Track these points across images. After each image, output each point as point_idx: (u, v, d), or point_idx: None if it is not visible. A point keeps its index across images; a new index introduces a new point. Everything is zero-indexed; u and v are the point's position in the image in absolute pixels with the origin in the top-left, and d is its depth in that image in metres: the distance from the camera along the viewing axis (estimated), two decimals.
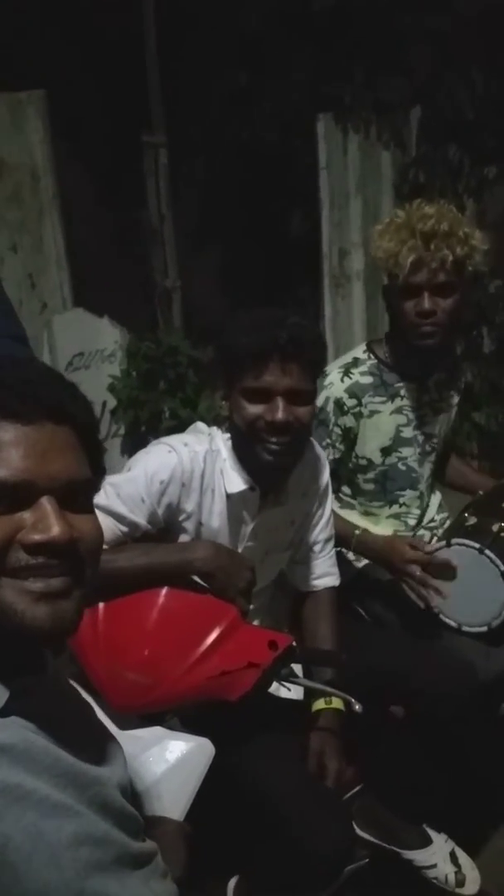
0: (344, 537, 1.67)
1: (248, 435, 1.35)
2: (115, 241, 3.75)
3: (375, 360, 1.79)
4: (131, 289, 3.65)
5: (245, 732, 1.30)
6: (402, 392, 1.79)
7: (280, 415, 1.31)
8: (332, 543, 1.62)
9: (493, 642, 1.60)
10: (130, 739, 1.16)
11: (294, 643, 1.28)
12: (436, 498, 1.98)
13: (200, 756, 1.16)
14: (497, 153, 4.06)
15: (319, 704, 1.42)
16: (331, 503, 1.62)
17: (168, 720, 1.25)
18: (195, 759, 1.15)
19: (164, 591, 1.28)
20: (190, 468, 1.37)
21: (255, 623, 1.50)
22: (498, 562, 1.53)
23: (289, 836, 1.23)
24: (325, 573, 1.62)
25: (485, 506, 1.73)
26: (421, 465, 1.86)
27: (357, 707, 1.29)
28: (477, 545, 1.56)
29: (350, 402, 1.73)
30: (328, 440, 1.73)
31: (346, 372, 1.76)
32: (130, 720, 1.21)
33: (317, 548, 1.61)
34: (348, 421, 1.74)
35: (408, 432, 1.81)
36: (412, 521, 1.89)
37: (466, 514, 1.69)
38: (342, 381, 1.74)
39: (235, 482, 1.40)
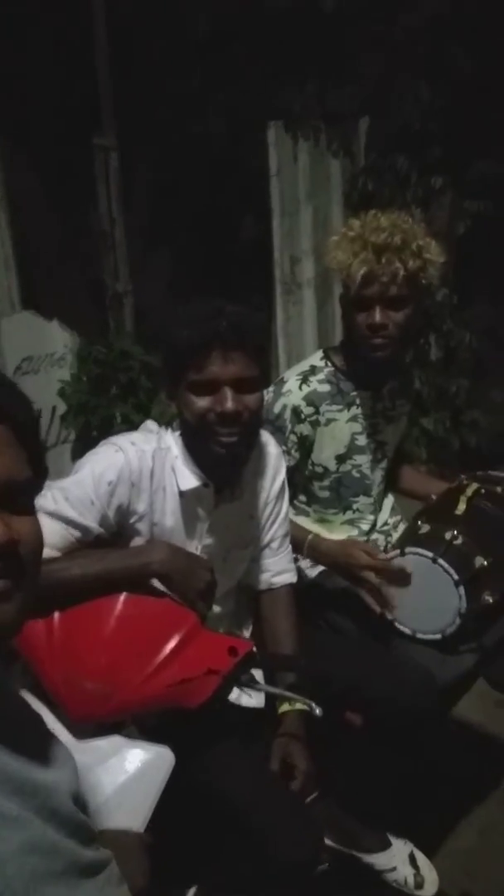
0: (297, 543, 1.68)
1: (198, 429, 1.34)
2: (65, 244, 3.70)
3: (332, 368, 1.80)
4: (82, 292, 3.61)
5: (206, 740, 1.30)
6: (357, 400, 1.81)
7: (229, 405, 1.30)
8: (288, 541, 1.63)
9: (447, 650, 1.62)
10: (88, 750, 1.15)
11: (254, 649, 1.28)
12: (388, 501, 2.01)
13: (160, 765, 1.15)
14: (443, 164, 4.15)
15: (284, 707, 1.43)
16: (287, 499, 1.62)
17: (126, 728, 1.23)
18: (155, 769, 1.15)
19: (121, 597, 1.26)
20: (138, 467, 1.36)
21: (220, 630, 1.50)
22: (451, 571, 1.56)
23: (256, 843, 1.23)
24: (283, 570, 1.61)
25: (437, 513, 1.76)
26: (373, 472, 1.89)
27: (317, 711, 1.30)
28: (430, 554, 1.59)
29: (307, 411, 1.74)
30: (284, 447, 1.73)
31: (305, 380, 1.76)
32: (88, 729, 1.19)
33: (274, 544, 1.60)
34: (305, 429, 1.75)
35: (362, 440, 1.84)
36: (366, 527, 1.91)
37: (420, 522, 1.71)
38: (300, 388, 1.75)
39: (188, 479, 1.39)
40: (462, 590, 1.56)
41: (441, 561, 1.57)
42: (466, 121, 4.04)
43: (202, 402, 1.32)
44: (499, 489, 1.89)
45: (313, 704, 1.29)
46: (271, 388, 1.76)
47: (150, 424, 1.49)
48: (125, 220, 3.39)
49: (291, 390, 1.75)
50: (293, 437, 1.75)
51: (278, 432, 1.72)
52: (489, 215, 4.21)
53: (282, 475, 1.58)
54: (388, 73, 3.99)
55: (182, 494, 1.40)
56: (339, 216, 4.32)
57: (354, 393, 1.81)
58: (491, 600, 1.62)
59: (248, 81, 3.68)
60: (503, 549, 1.71)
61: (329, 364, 1.81)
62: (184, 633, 1.23)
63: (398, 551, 1.63)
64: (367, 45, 3.88)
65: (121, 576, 1.28)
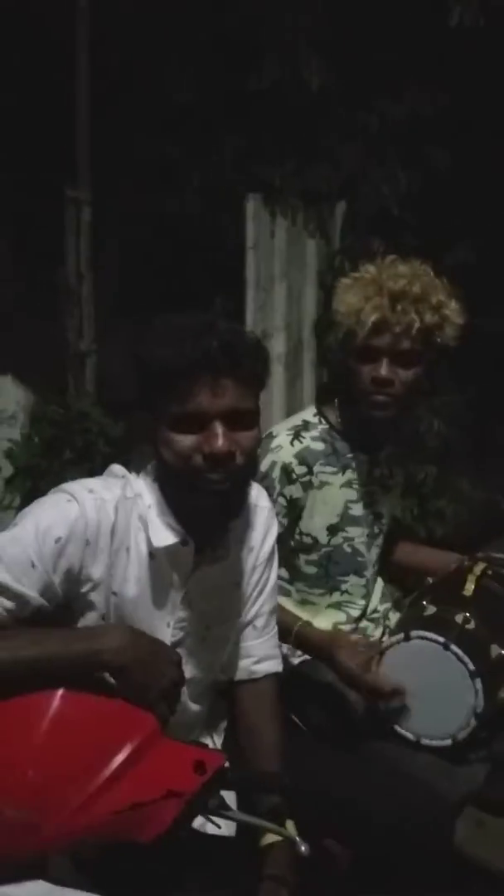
0: (282, 629, 1.40)
1: (181, 474, 1.08)
2: (27, 296, 3.52)
3: (327, 426, 1.61)
4: (42, 349, 3.40)
5: (161, 882, 0.98)
6: (353, 464, 1.62)
7: (220, 444, 1.05)
8: (274, 619, 1.34)
9: (457, 759, 1.35)
10: None
11: (227, 764, 0.98)
12: (379, 585, 1.77)
13: None
14: (418, 252, 4.16)
15: (270, 838, 1.11)
16: (277, 567, 1.35)
17: (55, 864, 0.92)
18: None
19: (58, 693, 0.96)
20: (96, 520, 1.09)
21: (192, 737, 1.20)
22: (466, 659, 1.31)
23: None
24: (267, 655, 1.31)
25: (442, 593, 1.52)
26: (368, 549, 1.67)
27: (303, 848, 1.00)
28: (441, 639, 1.33)
29: (300, 470, 1.53)
30: None
31: (297, 435, 1.56)
32: (5, 871, 0.87)
33: (259, 622, 1.30)
34: (295, 491, 1.53)
35: (357, 510, 1.62)
36: (355, 613, 1.66)
37: (424, 603, 1.47)
38: (292, 444, 1.54)
39: (163, 534, 1.12)
40: (479, 683, 1.30)
41: (454, 647, 1.32)
42: (441, 211, 4.08)
43: (186, 441, 1.07)
44: None
45: (299, 840, 1.00)
46: None
47: (116, 468, 1.22)
48: (94, 277, 3.23)
49: (282, 446, 1.53)
50: (281, 500, 1.52)
51: None
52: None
53: (273, 535, 1.32)
54: (366, 158, 4.03)
55: (152, 556, 1.13)
56: (313, 296, 4.29)
57: (350, 455, 1.61)
58: None
59: (228, 151, 3.64)
60: None
61: (323, 421, 1.61)
62: (138, 741, 0.94)
63: (402, 635, 1.37)
64: (346, 130, 3.93)
65: (62, 665, 0.99)
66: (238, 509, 1.17)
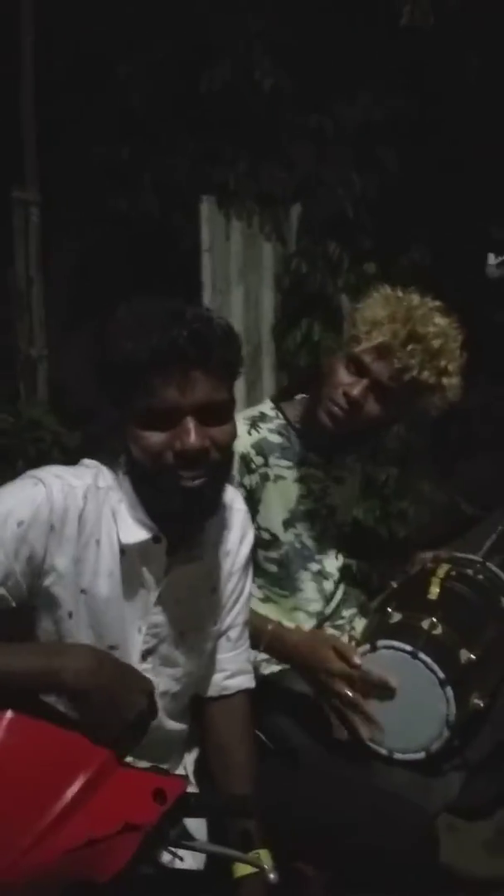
0: (253, 633, 1.34)
1: (152, 472, 1.01)
2: None
3: (283, 420, 1.56)
4: None
5: None
6: (308, 460, 1.56)
7: (193, 440, 0.98)
8: (248, 631, 1.27)
9: (431, 771, 1.30)
10: None
11: (188, 790, 0.91)
12: (341, 590, 1.71)
13: None
14: (374, 254, 4.15)
15: (244, 869, 1.04)
16: (251, 576, 1.28)
17: None
18: None
19: (6, 716, 0.87)
20: (63, 506, 1.01)
21: (169, 762, 1.13)
22: (435, 667, 1.26)
23: None
24: (240, 670, 1.23)
25: (407, 598, 1.48)
26: (321, 544, 1.60)
27: (272, 877, 0.94)
28: (409, 647, 1.28)
29: (258, 460, 1.48)
30: None
31: (254, 425, 1.50)
32: None
33: (233, 633, 1.22)
34: (254, 481, 1.48)
35: (308, 504, 1.57)
36: (313, 615, 1.59)
37: (389, 610, 1.42)
38: (249, 434, 1.48)
39: (133, 530, 1.05)
40: (450, 691, 1.25)
41: (422, 656, 1.27)
42: (395, 213, 4.09)
43: (156, 438, 1.00)
44: (470, 572, 1.63)
45: (267, 868, 0.94)
46: None
47: (88, 461, 1.13)
48: (44, 281, 3.13)
49: (239, 435, 1.47)
50: (242, 492, 1.45)
51: None
52: None
53: (249, 541, 1.24)
54: (320, 162, 4.01)
55: (124, 550, 1.05)
56: (270, 299, 4.25)
57: (305, 452, 1.56)
58: (482, 705, 1.32)
59: (181, 152, 3.59)
60: (489, 640, 1.43)
61: (280, 415, 1.56)
62: (92, 771, 0.85)
63: (368, 646, 1.32)
64: (301, 132, 3.91)
65: (14, 684, 0.91)
66: (213, 508, 1.11)
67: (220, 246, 3.92)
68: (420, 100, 3.82)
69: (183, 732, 1.19)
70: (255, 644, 1.35)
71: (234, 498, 1.23)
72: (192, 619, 1.15)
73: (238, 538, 1.22)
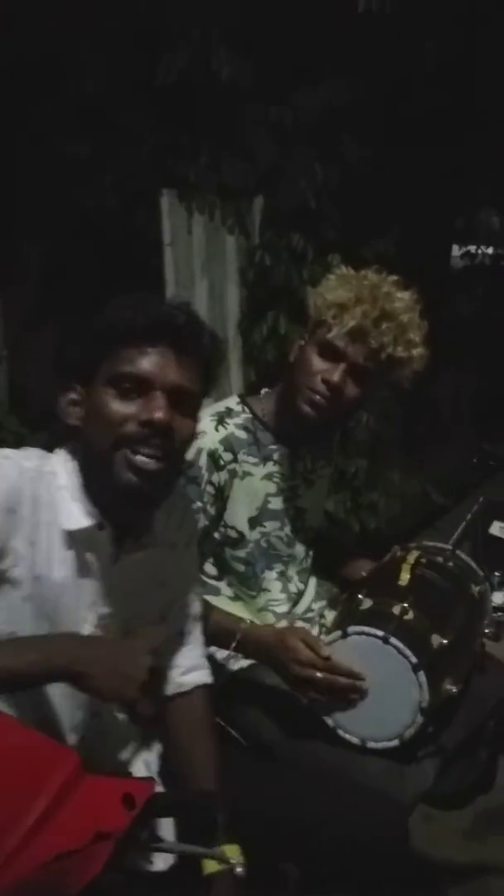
0: (223, 633, 1.31)
1: (108, 443, 0.99)
2: None
3: (250, 415, 1.53)
4: None
5: None
6: (275, 456, 1.54)
7: (162, 413, 0.98)
8: (200, 625, 1.26)
9: (405, 759, 1.27)
10: None
11: (157, 791, 0.87)
12: (311, 584, 1.69)
13: None
14: (338, 245, 4.14)
15: (212, 866, 1.01)
16: (198, 571, 1.28)
17: None
18: None
19: None
20: (16, 486, 0.99)
21: (124, 755, 1.10)
22: (407, 652, 1.23)
23: None
24: (194, 665, 1.23)
25: (378, 585, 1.45)
26: (290, 546, 1.59)
27: (239, 870, 0.90)
28: (380, 633, 1.25)
29: (226, 456, 1.45)
30: (199, 503, 1.42)
31: (220, 421, 1.48)
32: None
33: (184, 628, 1.23)
34: (222, 477, 1.45)
35: (276, 504, 1.55)
36: (280, 611, 1.58)
37: (360, 596, 1.39)
38: (217, 430, 1.46)
39: (75, 516, 1.03)
40: (423, 676, 1.23)
41: (394, 641, 1.24)
42: (358, 203, 4.07)
43: (122, 407, 0.99)
44: (440, 559, 1.61)
45: (235, 861, 0.90)
46: None
47: (32, 449, 1.11)
48: (2, 278, 3.05)
49: (206, 431, 1.44)
50: (209, 489, 1.43)
51: (191, 484, 1.40)
52: None
53: (196, 538, 1.25)
54: (281, 153, 3.98)
55: (70, 537, 1.03)
56: (235, 293, 4.21)
57: (273, 447, 1.54)
58: (454, 690, 1.30)
59: (139, 147, 3.52)
60: (459, 626, 1.41)
61: (246, 410, 1.54)
62: (61, 781, 0.81)
63: (339, 633, 1.29)
64: (261, 123, 3.87)
65: (18, 680, 0.92)
66: (160, 496, 1.08)
67: (183, 240, 3.87)
68: (381, 88, 3.80)
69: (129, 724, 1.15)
70: (226, 643, 1.33)
71: (183, 493, 1.23)
72: (140, 613, 1.13)
73: (188, 533, 1.21)
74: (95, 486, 1.04)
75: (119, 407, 0.99)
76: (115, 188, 3.64)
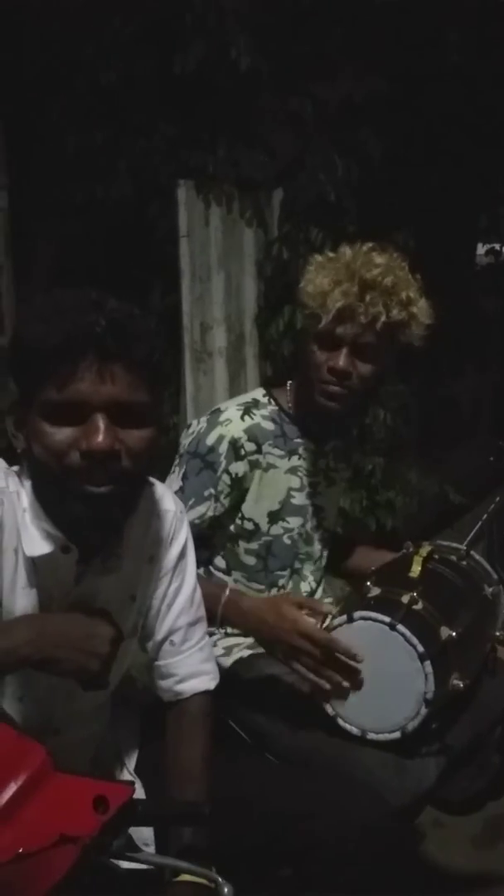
0: (208, 604, 1.25)
1: (57, 475, 0.92)
2: None
3: (276, 407, 1.51)
4: None
5: None
6: (300, 450, 1.52)
7: (101, 438, 0.89)
8: (200, 631, 1.20)
9: (407, 753, 1.22)
10: None
11: (134, 797, 0.81)
12: (323, 585, 1.66)
13: None
14: (357, 239, 4.08)
15: (182, 875, 0.95)
16: (193, 574, 1.21)
17: None
18: None
19: None
20: None
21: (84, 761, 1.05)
22: (414, 640, 1.18)
23: None
24: (193, 672, 1.17)
25: (388, 576, 1.40)
26: (308, 544, 1.56)
27: (226, 890, 0.85)
28: (387, 619, 1.20)
29: (249, 447, 1.42)
30: (212, 490, 1.39)
31: (247, 411, 1.46)
32: None
33: (176, 637, 1.16)
34: (242, 468, 1.42)
35: (299, 499, 1.52)
36: None
37: (369, 584, 1.34)
38: (242, 419, 1.44)
39: (37, 542, 0.97)
40: (429, 666, 1.18)
41: (401, 627, 1.19)
42: (379, 196, 4.02)
43: (61, 436, 0.90)
44: (453, 558, 1.56)
45: (220, 880, 0.85)
46: (204, 418, 1.45)
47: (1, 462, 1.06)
48: (15, 266, 3.04)
49: (231, 420, 1.43)
50: (226, 478, 1.40)
51: (207, 469, 1.38)
52: None
53: (181, 541, 1.16)
54: (301, 145, 3.94)
55: (34, 562, 0.98)
56: (252, 287, 4.17)
57: (299, 440, 1.52)
58: (461, 685, 1.24)
59: (157, 135, 3.49)
60: (470, 622, 1.36)
61: (272, 402, 1.52)
62: (25, 777, 0.77)
63: (344, 617, 1.24)
64: (280, 115, 3.83)
65: None
66: (121, 519, 1.01)
67: (200, 232, 3.83)
68: (402, 79, 3.74)
69: (86, 736, 1.14)
70: (212, 613, 1.28)
71: (163, 497, 1.14)
72: None
73: (166, 542, 1.14)
74: (53, 507, 0.97)
75: (58, 437, 0.91)
76: (131, 177, 3.62)
